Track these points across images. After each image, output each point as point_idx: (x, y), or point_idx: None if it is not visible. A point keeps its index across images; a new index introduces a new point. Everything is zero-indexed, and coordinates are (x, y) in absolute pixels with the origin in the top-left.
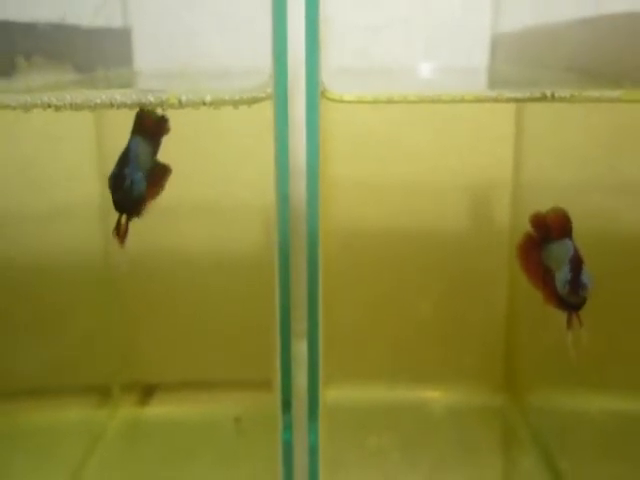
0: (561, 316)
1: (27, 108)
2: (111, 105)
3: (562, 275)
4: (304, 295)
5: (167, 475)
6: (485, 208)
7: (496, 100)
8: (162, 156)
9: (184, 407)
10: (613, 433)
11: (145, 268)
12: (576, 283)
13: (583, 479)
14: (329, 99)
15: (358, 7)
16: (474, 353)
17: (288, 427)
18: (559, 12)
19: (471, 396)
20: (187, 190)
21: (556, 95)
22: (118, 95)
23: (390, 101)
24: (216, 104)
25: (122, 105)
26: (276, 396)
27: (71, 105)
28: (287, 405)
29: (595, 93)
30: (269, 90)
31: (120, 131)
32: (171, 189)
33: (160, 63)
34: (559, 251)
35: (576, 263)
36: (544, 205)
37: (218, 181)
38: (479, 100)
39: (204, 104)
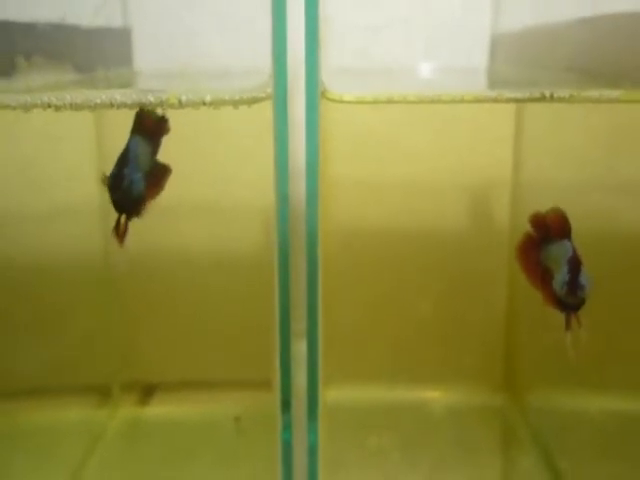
0: (561, 316)
1: (27, 108)
2: (111, 105)
3: (560, 276)
4: (304, 295)
5: (167, 475)
6: (485, 208)
7: (495, 100)
8: (162, 156)
9: (184, 407)
10: (612, 433)
11: (145, 268)
12: (574, 284)
13: (582, 479)
14: (329, 99)
15: (358, 7)
16: (474, 353)
17: (287, 427)
18: (559, 12)
19: (471, 396)
20: (187, 190)
21: (555, 95)
22: (118, 95)
23: (390, 101)
24: (216, 104)
25: (122, 105)
26: (276, 396)
27: (71, 105)
28: (287, 405)
29: (594, 93)
30: (269, 90)
31: (120, 131)
32: (171, 189)
33: (160, 63)
34: (558, 252)
35: (574, 264)
36: (544, 205)
37: (218, 181)
38: (478, 100)
39: (204, 104)
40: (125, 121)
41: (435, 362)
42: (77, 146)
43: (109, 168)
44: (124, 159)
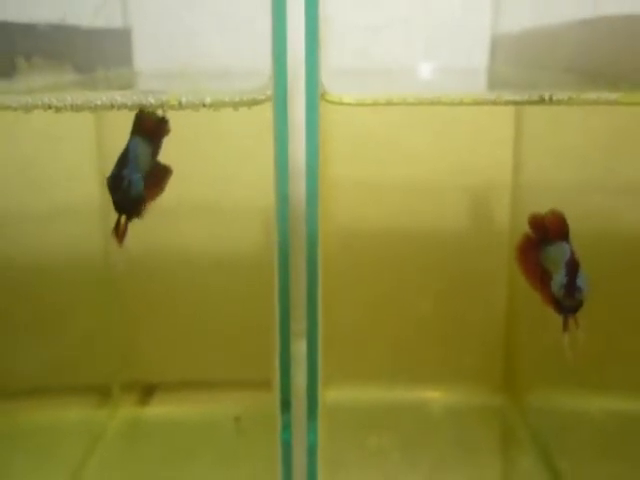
0: (560, 316)
1: (28, 109)
2: (111, 106)
3: (558, 278)
4: (303, 295)
5: (167, 475)
6: (485, 209)
7: (494, 103)
8: (162, 157)
9: (184, 407)
10: (612, 433)
11: (145, 268)
12: (572, 287)
13: (582, 479)
14: (328, 101)
15: (358, 7)
16: (474, 353)
17: (287, 427)
18: (559, 13)
19: (471, 396)
20: (187, 191)
21: (554, 98)
22: (118, 96)
23: (389, 103)
24: (216, 106)
25: (122, 106)
26: (275, 396)
27: (71, 106)
28: (286, 405)
29: (593, 96)
30: (269, 92)
31: (120, 132)
32: (171, 190)
33: (160, 63)
34: (556, 253)
35: (572, 267)
36: (543, 206)
37: (218, 182)
38: (478, 103)
39: (204, 106)
40: (125, 122)
41: (435, 362)
42: (77, 146)
43: (109, 169)
44: (124, 160)
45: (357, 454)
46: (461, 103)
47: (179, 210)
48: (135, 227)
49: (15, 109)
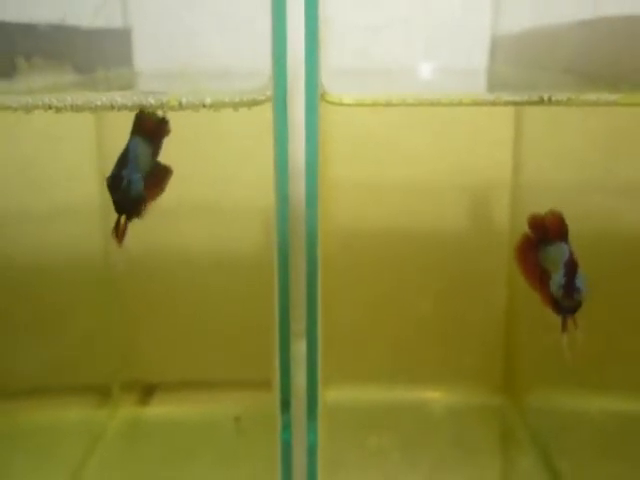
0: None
1: (28, 109)
2: (112, 107)
3: (557, 278)
4: (303, 295)
5: (167, 475)
6: (484, 209)
7: (494, 103)
8: (163, 157)
9: (184, 407)
10: (611, 433)
11: (145, 268)
12: (570, 287)
13: (581, 479)
14: (328, 102)
15: (358, 7)
16: (473, 353)
17: (287, 427)
18: (558, 14)
19: (470, 396)
20: (188, 191)
21: (553, 99)
22: (119, 97)
23: (389, 104)
24: (216, 106)
25: (123, 107)
26: (275, 396)
27: (72, 107)
28: (286, 405)
29: (592, 97)
30: (268, 93)
31: (120, 132)
32: (172, 190)
33: (160, 63)
34: (555, 254)
35: (570, 267)
36: (543, 206)
37: (218, 182)
38: (477, 103)
39: (204, 106)
40: (125, 123)
41: (435, 362)
42: (77, 147)
43: (109, 169)
44: (123, 160)
45: (357, 454)
46: (460, 104)
47: (179, 210)
48: (135, 227)
49: (15, 109)
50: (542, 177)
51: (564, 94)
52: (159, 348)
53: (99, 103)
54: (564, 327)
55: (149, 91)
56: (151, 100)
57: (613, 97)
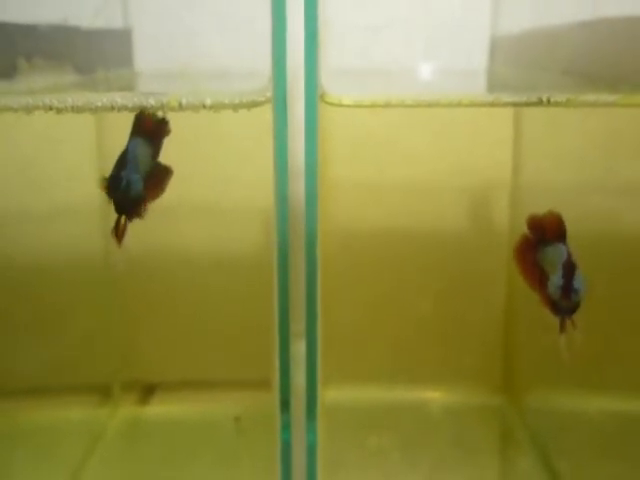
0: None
1: (29, 110)
2: (112, 108)
3: (555, 279)
4: (303, 295)
5: (167, 475)
6: (484, 210)
7: (493, 104)
8: (163, 158)
9: (184, 407)
10: (610, 433)
11: (145, 268)
12: (568, 289)
13: (580, 479)
14: (328, 103)
15: (358, 7)
16: (473, 354)
17: (286, 427)
18: (558, 15)
19: (470, 396)
20: (188, 191)
21: (552, 100)
22: (119, 98)
23: (388, 105)
24: (216, 107)
25: (123, 108)
26: (275, 396)
27: (72, 107)
28: (285, 405)
29: (591, 97)
30: (268, 94)
31: (121, 133)
32: (172, 190)
33: (160, 63)
34: (553, 254)
35: (568, 269)
36: (542, 207)
37: (218, 183)
38: (476, 104)
39: (204, 107)
40: (126, 123)
41: (434, 362)
42: (78, 147)
43: (109, 169)
44: (122, 160)
45: (357, 454)
46: (459, 104)
47: (179, 210)
48: (135, 227)
49: (16, 110)
50: (541, 178)
51: (563, 95)
52: (159, 348)
53: (99, 104)
54: (562, 328)
55: (149, 92)
56: (151, 101)
57: (612, 98)
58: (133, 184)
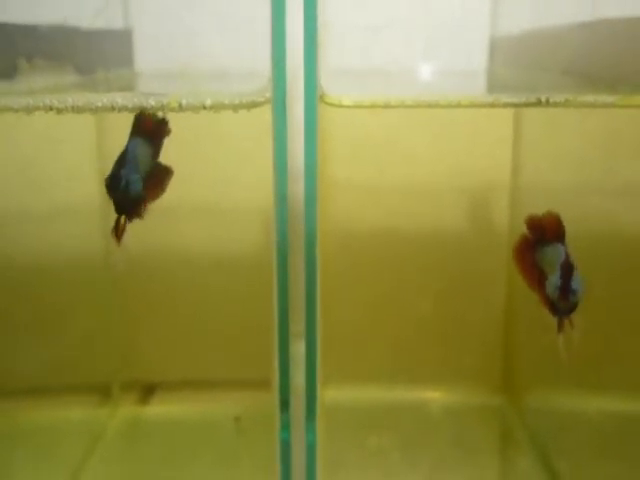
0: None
1: (29, 110)
2: (112, 108)
3: (553, 280)
4: (302, 295)
5: (167, 475)
6: (484, 210)
7: (492, 105)
8: (163, 158)
9: (184, 406)
10: (610, 434)
11: (145, 268)
12: (566, 289)
13: (580, 479)
14: (327, 104)
15: (358, 7)
16: (473, 354)
17: (286, 426)
18: (558, 15)
19: (470, 396)
20: (188, 191)
21: (551, 100)
22: (119, 98)
23: (387, 105)
24: (216, 108)
25: (123, 108)
26: (274, 396)
27: (73, 108)
28: (285, 405)
29: (590, 98)
30: (268, 94)
31: (121, 133)
32: (172, 191)
33: (161, 64)
34: (552, 255)
35: (566, 269)
36: (542, 207)
37: (218, 183)
38: (475, 105)
39: (204, 108)
40: (126, 123)
41: (434, 362)
42: (78, 147)
43: (109, 170)
44: (122, 160)
45: (356, 454)
46: (459, 105)
47: (179, 211)
48: (135, 227)
49: (17, 110)
50: (541, 178)
51: (562, 96)
52: (159, 348)
53: (100, 104)
54: (560, 328)
55: (149, 92)
56: (151, 101)
57: (611, 99)
58: (132, 184)
